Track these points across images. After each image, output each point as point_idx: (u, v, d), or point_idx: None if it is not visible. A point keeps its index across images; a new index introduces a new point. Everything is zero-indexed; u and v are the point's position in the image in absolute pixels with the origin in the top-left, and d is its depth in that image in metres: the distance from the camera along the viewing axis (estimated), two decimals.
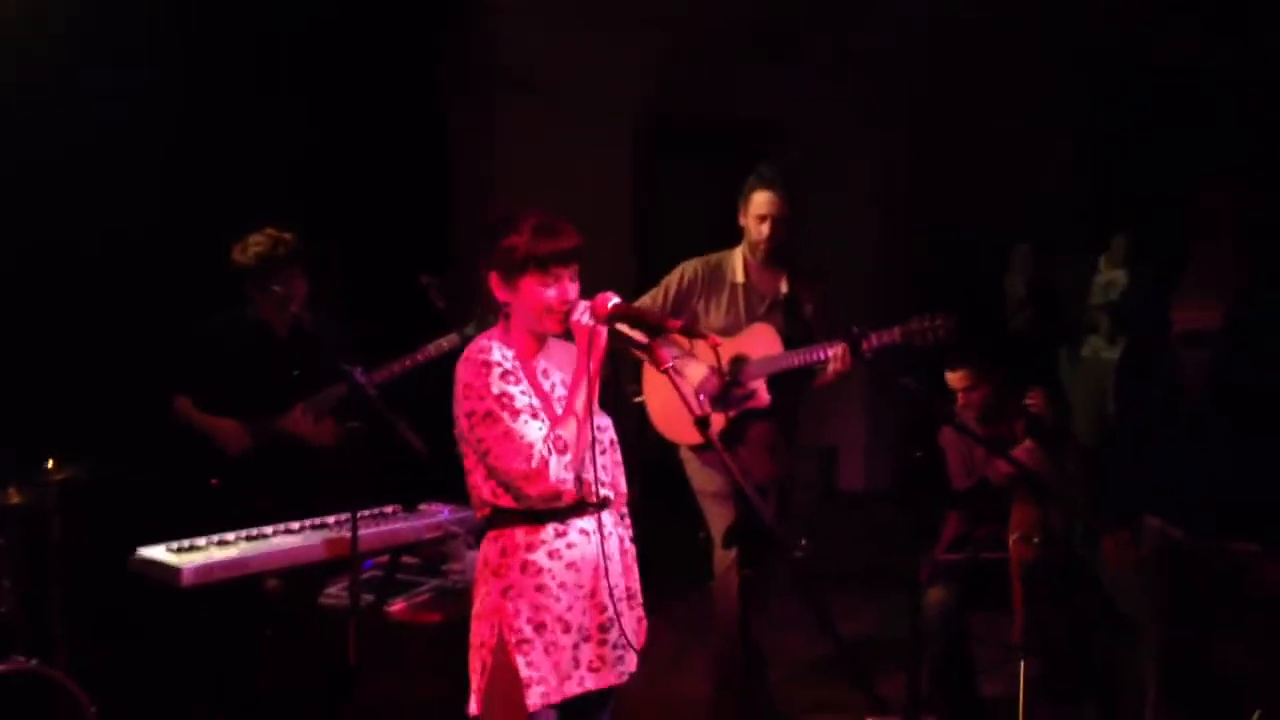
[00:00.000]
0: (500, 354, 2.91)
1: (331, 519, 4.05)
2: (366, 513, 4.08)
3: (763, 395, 4.49)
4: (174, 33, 5.27)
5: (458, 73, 6.80)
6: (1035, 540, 4.32)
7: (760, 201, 4.54)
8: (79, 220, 4.94)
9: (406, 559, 4.31)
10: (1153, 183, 7.69)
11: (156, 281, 5.06)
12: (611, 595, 2.98)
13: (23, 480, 4.02)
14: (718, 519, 4.58)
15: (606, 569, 2.98)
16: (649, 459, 4.86)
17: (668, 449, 4.78)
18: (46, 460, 4.05)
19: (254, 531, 3.92)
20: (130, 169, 5.03)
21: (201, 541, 3.80)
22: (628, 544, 3.12)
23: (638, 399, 4.85)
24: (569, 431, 2.89)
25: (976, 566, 4.62)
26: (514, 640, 2.89)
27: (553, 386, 3.01)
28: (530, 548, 2.92)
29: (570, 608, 2.95)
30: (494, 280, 2.97)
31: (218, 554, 3.71)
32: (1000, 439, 4.53)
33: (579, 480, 2.92)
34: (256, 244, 4.44)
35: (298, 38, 5.72)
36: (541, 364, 3.02)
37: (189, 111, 5.28)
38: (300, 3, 5.75)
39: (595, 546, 2.98)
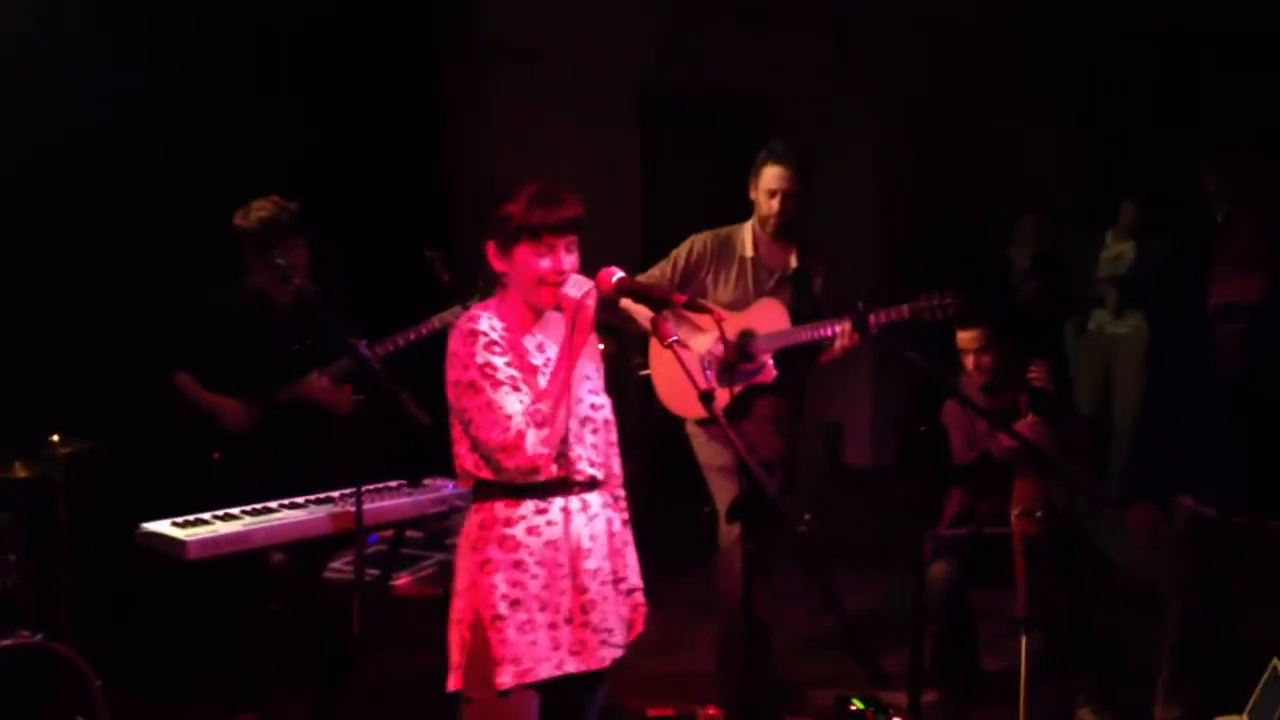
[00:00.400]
0: (489, 324, 2.88)
1: (336, 494, 4.06)
2: (371, 487, 4.08)
3: (770, 370, 4.49)
4: (174, 7, 5.25)
5: (456, 45, 6.78)
6: (1038, 515, 4.31)
7: (770, 176, 4.52)
8: (83, 199, 4.95)
9: (411, 533, 4.33)
10: (1159, 152, 7.66)
11: (158, 256, 5.07)
12: (594, 577, 2.93)
13: (28, 454, 4.02)
14: (723, 493, 4.58)
15: (590, 550, 2.93)
16: (654, 433, 4.87)
17: (673, 423, 4.78)
18: (52, 434, 4.05)
19: (259, 506, 3.93)
20: (132, 147, 5.05)
21: (207, 516, 3.82)
22: (617, 526, 3.05)
23: (644, 372, 4.85)
24: (550, 404, 2.84)
25: (979, 542, 4.63)
26: (489, 616, 2.84)
27: (547, 361, 2.94)
28: (509, 522, 2.88)
29: (547, 586, 2.88)
30: (491, 250, 2.94)
31: (223, 528, 3.72)
32: (1003, 412, 4.53)
33: (563, 457, 2.88)
34: (260, 209, 4.41)
35: (295, 12, 5.70)
36: (537, 337, 2.97)
37: (188, 84, 5.27)
38: None
39: (578, 526, 2.93)
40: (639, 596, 3.11)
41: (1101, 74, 8.72)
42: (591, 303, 2.87)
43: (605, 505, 3.02)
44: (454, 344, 2.88)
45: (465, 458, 2.93)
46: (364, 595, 3.80)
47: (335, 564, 4.34)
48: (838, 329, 4.33)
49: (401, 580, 4.22)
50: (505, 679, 2.83)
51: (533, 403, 2.83)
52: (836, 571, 6.01)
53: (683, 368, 2.92)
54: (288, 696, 4.39)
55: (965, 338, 4.63)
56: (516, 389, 2.84)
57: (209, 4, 5.40)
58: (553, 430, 2.84)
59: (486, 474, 2.89)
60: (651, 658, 5.15)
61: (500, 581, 2.85)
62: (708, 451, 4.65)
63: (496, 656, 2.83)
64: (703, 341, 4.51)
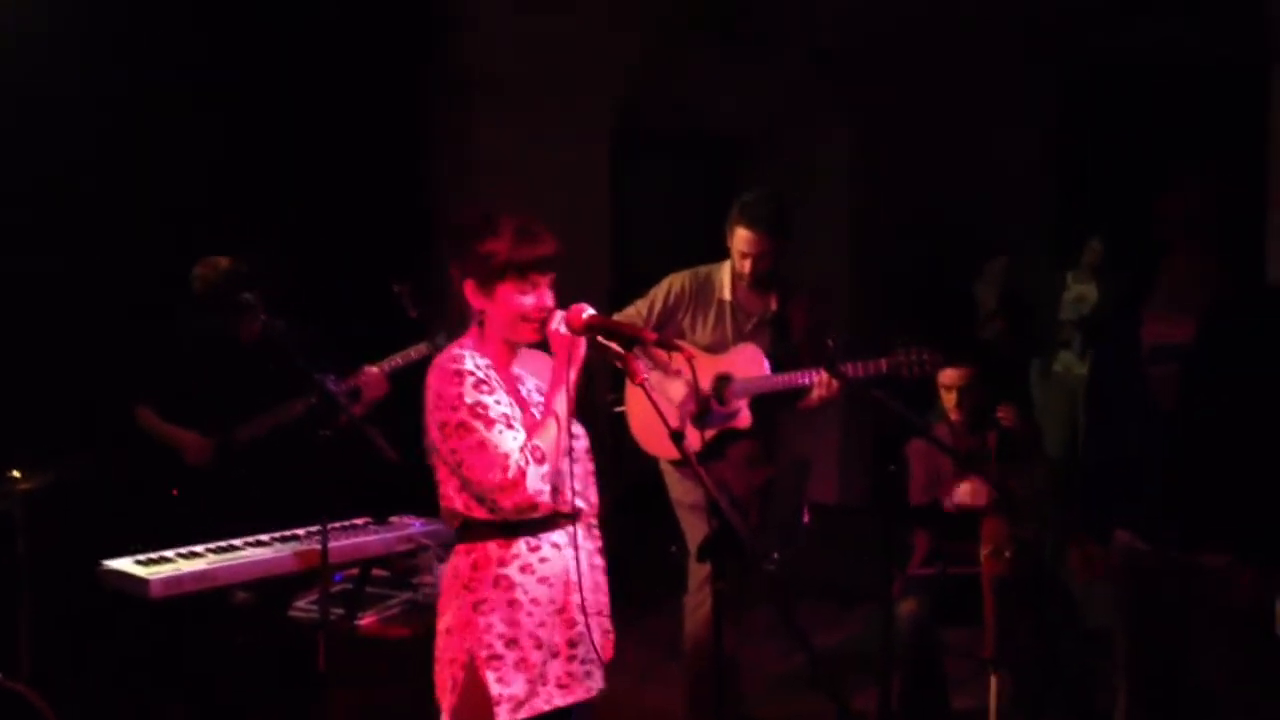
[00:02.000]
0: (473, 363, 2.85)
1: (302, 531, 4.02)
2: (337, 525, 4.05)
3: (745, 416, 4.48)
4: (149, 37, 5.24)
5: (432, 79, 6.78)
6: (1007, 554, 4.32)
7: (743, 239, 4.48)
8: (43, 229, 4.90)
9: (377, 572, 4.29)
10: (1121, 190, 7.74)
11: (123, 288, 5.01)
12: (584, 610, 2.94)
13: None
14: (694, 531, 4.57)
15: (580, 583, 2.94)
16: (625, 469, 4.85)
17: (643, 459, 4.76)
18: (12, 470, 4.00)
19: (223, 544, 3.88)
20: (95, 175, 4.99)
21: (170, 554, 3.77)
22: (597, 558, 3.06)
23: (618, 409, 4.84)
24: (547, 440, 2.85)
25: (948, 581, 4.63)
26: (484, 656, 2.84)
27: (529, 394, 2.97)
28: (503, 562, 2.87)
29: (542, 624, 2.89)
30: (469, 287, 2.91)
31: (186, 566, 3.68)
32: (972, 453, 4.54)
33: (555, 491, 2.89)
34: (205, 268, 4.40)
35: (273, 42, 5.69)
36: (516, 372, 2.99)
37: (160, 115, 5.23)
38: (276, 10, 5.72)
39: (566, 560, 2.93)
40: (607, 623, 3.12)
41: (1072, 112, 8.82)
42: (584, 339, 2.88)
43: (585, 537, 3.02)
44: (439, 385, 2.85)
45: (453, 498, 2.90)
46: (329, 634, 3.76)
47: (300, 603, 4.29)
48: (815, 378, 4.31)
49: (367, 619, 4.16)
50: (503, 718, 2.83)
51: (528, 439, 2.82)
52: (805, 610, 6.01)
53: (653, 406, 2.92)
54: None
55: (951, 375, 4.63)
56: (510, 426, 2.82)
57: (187, 36, 5.37)
58: (551, 465, 2.84)
59: (479, 514, 2.87)
60: (622, 695, 5.12)
61: (496, 621, 2.85)
62: (680, 489, 4.64)
63: (494, 696, 2.83)
64: (677, 387, 4.49)
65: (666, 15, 7.42)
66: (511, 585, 2.87)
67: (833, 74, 8.27)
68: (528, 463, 2.79)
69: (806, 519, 7.65)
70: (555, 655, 2.92)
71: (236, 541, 3.91)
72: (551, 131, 7.08)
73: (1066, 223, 8.42)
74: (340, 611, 4.08)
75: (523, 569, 2.88)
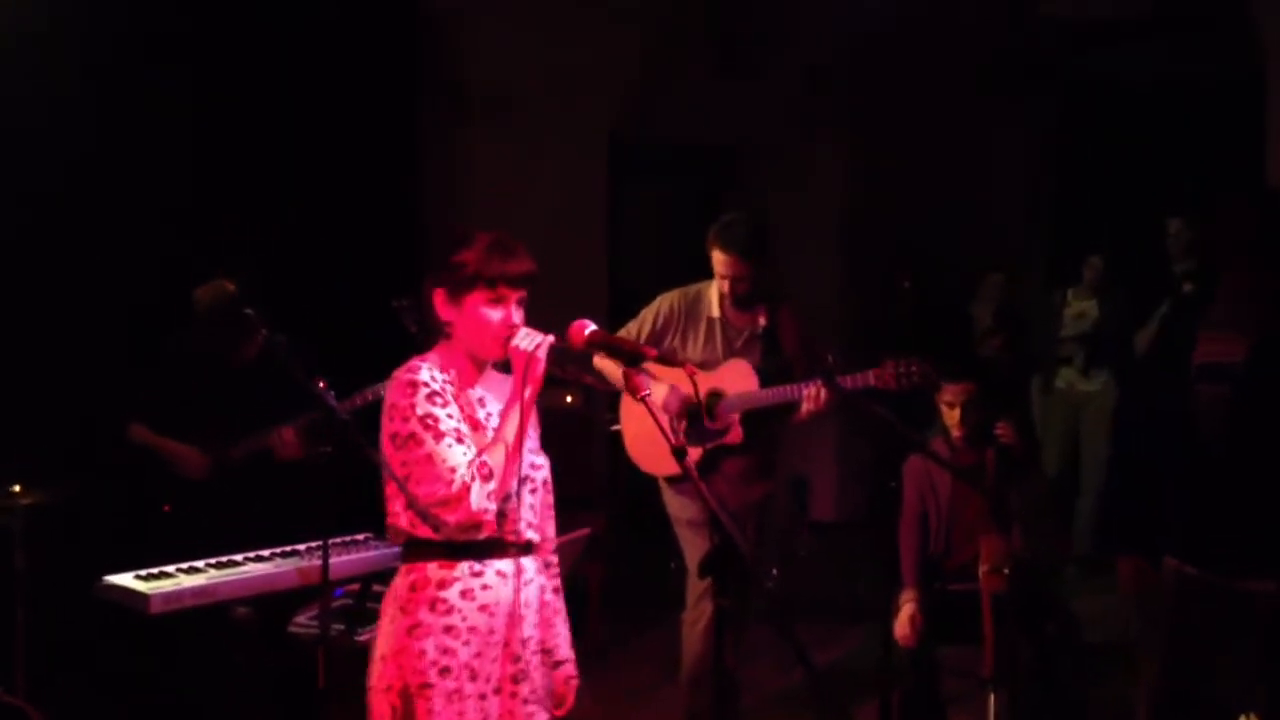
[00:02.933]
0: (429, 374, 2.77)
1: (302, 547, 4.02)
2: (337, 540, 4.04)
3: (736, 431, 4.48)
4: (142, 51, 5.25)
5: (428, 93, 6.80)
6: (1005, 572, 4.32)
7: (719, 261, 4.50)
8: (39, 243, 4.91)
9: (378, 587, 4.27)
10: (1116, 207, 7.78)
11: (121, 303, 5.02)
12: (524, 645, 2.84)
13: None
14: (693, 547, 4.56)
15: (524, 617, 2.84)
16: (621, 488, 4.86)
17: (640, 478, 4.76)
18: (12, 485, 4.00)
19: (223, 559, 3.88)
20: (90, 192, 5.02)
21: (170, 569, 3.77)
22: (548, 595, 2.98)
23: (614, 428, 4.84)
24: (496, 458, 2.75)
25: (946, 598, 4.63)
26: (416, 684, 2.72)
27: (488, 416, 2.85)
28: (442, 584, 2.76)
29: (479, 654, 2.78)
30: (439, 297, 2.84)
31: (186, 581, 3.68)
32: (971, 469, 4.54)
33: (503, 516, 2.78)
34: (204, 295, 4.41)
35: (269, 57, 5.71)
36: (479, 392, 2.88)
37: (154, 133, 5.25)
38: (269, 21, 5.73)
39: (512, 591, 2.82)
40: (570, 668, 3.05)
41: (1068, 128, 8.85)
42: (543, 355, 2.80)
43: (538, 571, 2.93)
44: (392, 395, 2.77)
45: (399, 515, 2.81)
46: (329, 650, 3.75)
47: (300, 618, 4.28)
48: (805, 392, 4.31)
49: (367, 635, 4.14)
50: None
51: (478, 454, 2.73)
52: (803, 628, 6.00)
53: (655, 421, 2.91)
54: None
55: (953, 391, 4.61)
56: (460, 440, 2.73)
57: (182, 50, 5.39)
58: (500, 485, 2.75)
59: (423, 532, 2.77)
60: (617, 715, 5.12)
61: (430, 647, 2.74)
62: (677, 504, 4.64)
63: None
64: (658, 389, 4.48)
65: (662, 30, 7.46)
66: (449, 610, 2.76)
67: (828, 88, 8.31)
68: (474, 478, 2.70)
69: (805, 537, 7.67)
70: (497, 691, 2.82)
71: (237, 557, 3.91)
72: (548, 145, 7.11)
73: (1062, 239, 8.44)
74: (341, 627, 4.07)
75: (463, 594, 2.77)
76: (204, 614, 3.73)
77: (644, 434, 4.58)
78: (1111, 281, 7.38)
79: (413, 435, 2.71)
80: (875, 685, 4.50)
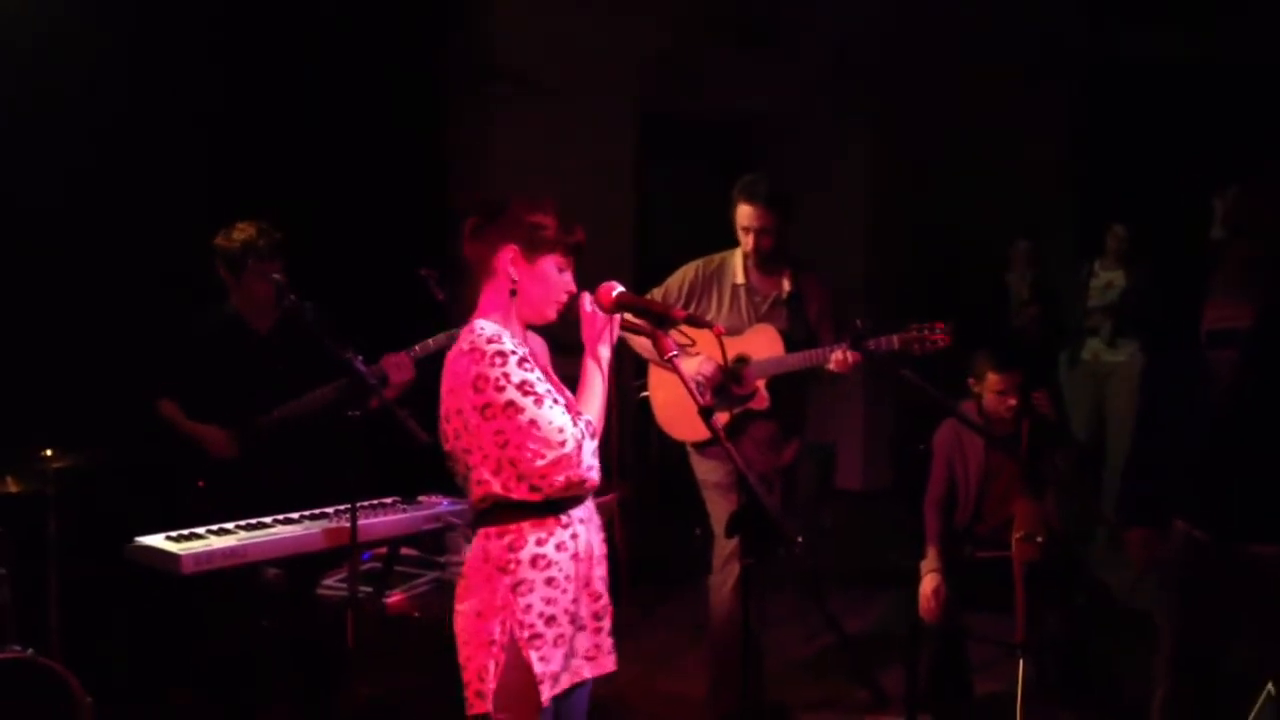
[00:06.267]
0: (511, 341, 2.82)
1: (331, 510, 4.04)
2: (366, 504, 4.06)
3: (763, 396, 4.49)
4: (171, 29, 5.26)
5: (455, 69, 6.79)
6: (1039, 540, 4.31)
7: (743, 214, 4.51)
8: (74, 216, 4.94)
9: (406, 551, 4.30)
10: (1148, 180, 7.71)
11: (155, 271, 5.03)
12: (604, 583, 3.00)
13: (20, 469, 4.00)
14: (719, 509, 4.57)
15: (600, 558, 3.00)
16: (650, 455, 4.86)
17: (669, 445, 4.77)
18: (44, 449, 4.03)
19: (253, 521, 3.90)
20: (122, 164, 5.03)
21: (201, 530, 3.79)
22: (603, 532, 3.11)
23: (643, 394, 4.85)
24: (595, 416, 2.89)
25: (977, 565, 4.63)
26: (526, 636, 2.83)
27: (545, 374, 2.95)
28: (540, 541, 2.86)
29: (575, 599, 2.92)
30: (509, 253, 2.87)
31: (217, 543, 3.69)
32: (1006, 437, 4.53)
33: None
34: (243, 230, 4.39)
35: (298, 38, 5.71)
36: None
37: (190, 109, 5.27)
38: (299, 2, 5.74)
39: (590, 535, 2.97)
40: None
41: (1095, 101, 8.78)
42: (618, 318, 2.93)
43: (594, 512, 3.05)
44: (479, 366, 2.77)
45: (490, 481, 2.83)
46: (357, 612, 3.77)
47: (329, 581, 4.31)
48: (833, 355, 4.31)
49: (395, 598, 4.18)
50: (546, 694, 2.84)
51: (576, 416, 2.83)
52: (831, 594, 6.01)
53: (683, 383, 2.92)
54: (279, 713, 4.35)
55: (999, 379, 4.55)
56: (557, 402, 2.81)
57: (213, 30, 5.40)
58: (598, 444, 2.87)
59: (519, 494, 2.82)
60: (642, 680, 5.14)
61: (536, 600, 2.84)
62: (705, 467, 4.64)
63: (538, 675, 2.83)
64: (691, 363, 4.49)
65: (689, 9, 7.42)
66: (549, 564, 2.86)
67: (855, 63, 8.26)
68: (584, 437, 2.81)
69: (829, 507, 7.67)
70: (583, 628, 2.96)
71: (266, 519, 3.92)
72: (574, 125, 7.09)
73: (1088, 214, 8.37)
74: (368, 589, 4.09)
75: (558, 547, 2.88)
76: (234, 575, 3.74)
77: (673, 400, 4.59)
78: (1137, 251, 7.33)
79: (511, 403, 2.76)
80: (903, 652, 4.50)
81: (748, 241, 4.53)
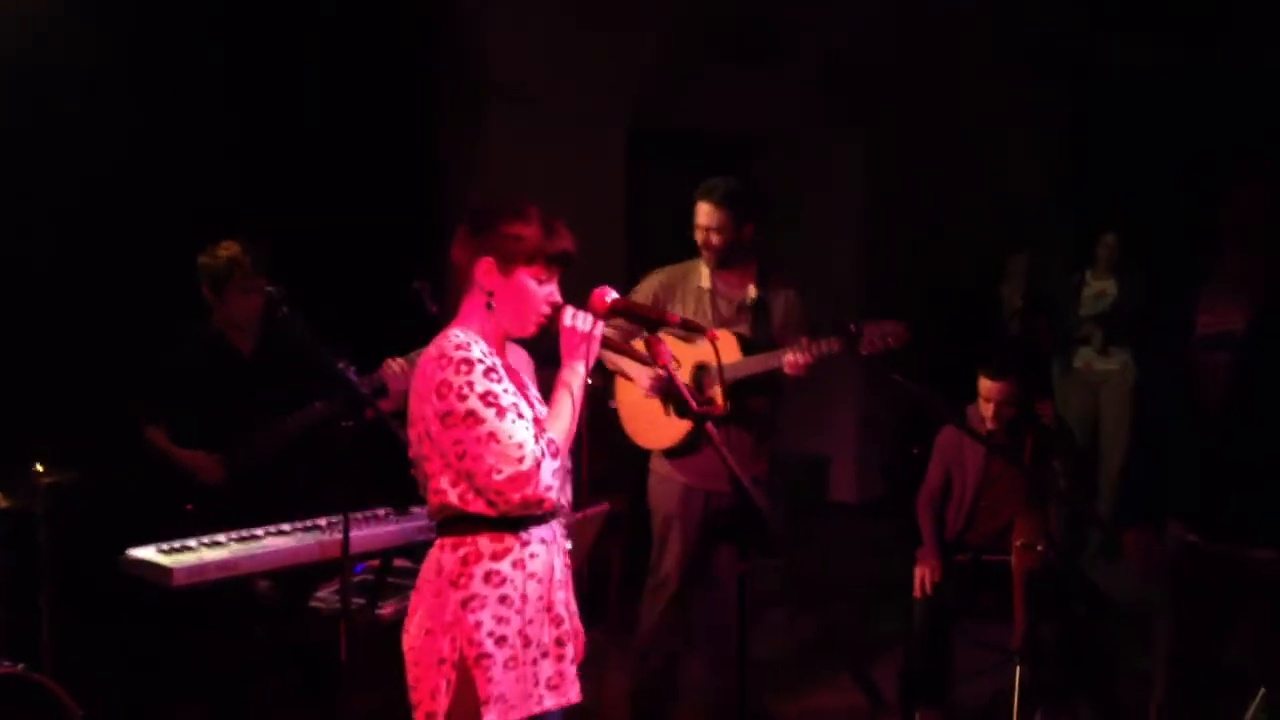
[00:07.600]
0: (480, 350, 2.75)
1: (323, 521, 4.02)
2: (358, 515, 4.04)
3: (719, 403, 4.40)
4: (160, 40, 5.26)
5: (446, 83, 6.80)
6: (1039, 548, 4.31)
7: (697, 212, 4.51)
8: (60, 229, 4.95)
9: (398, 562, 4.28)
10: (1134, 193, 7.74)
11: (143, 289, 5.02)
12: (566, 607, 2.90)
13: (10, 485, 3.98)
14: (662, 540, 4.55)
15: (562, 581, 2.89)
16: (634, 469, 4.82)
17: (644, 457, 4.72)
18: (34, 464, 4.01)
19: (245, 533, 3.89)
20: (111, 177, 5.03)
21: (193, 542, 3.77)
22: (566, 558, 3.00)
23: (611, 404, 4.81)
24: (560, 435, 2.77)
25: (968, 569, 4.62)
26: (474, 655, 2.72)
27: (519, 388, 2.86)
28: (495, 556, 2.76)
29: (531, 621, 2.80)
30: (485, 266, 2.80)
31: (209, 555, 3.68)
32: (1007, 445, 4.52)
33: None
34: (227, 248, 4.41)
35: (289, 50, 5.70)
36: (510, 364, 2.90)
37: (179, 126, 5.26)
38: (289, 13, 5.74)
39: (551, 556, 2.86)
40: (578, 623, 3.06)
41: (1087, 116, 8.81)
42: (599, 334, 2.84)
43: (559, 535, 2.94)
44: (444, 373, 2.70)
45: (446, 491, 2.76)
46: (350, 624, 3.75)
47: (321, 593, 4.28)
48: (785, 359, 4.20)
49: (388, 609, 4.15)
50: (491, 718, 2.72)
51: (540, 433, 2.74)
52: (825, 606, 6.01)
53: (680, 390, 2.89)
54: None
55: (993, 388, 4.54)
56: (521, 416, 2.72)
57: (201, 42, 5.39)
58: (561, 463, 2.77)
59: (475, 507, 2.75)
60: (615, 692, 5.12)
61: (486, 618, 2.73)
62: (658, 493, 4.59)
63: (483, 696, 2.71)
64: (643, 376, 4.46)
65: (681, 20, 7.42)
66: (502, 580, 2.76)
67: (847, 76, 8.27)
68: (543, 455, 2.71)
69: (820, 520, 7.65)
70: (545, 655, 2.85)
71: (258, 531, 3.91)
72: (567, 137, 7.08)
73: (1081, 224, 8.40)
74: (361, 601, 4.07)
75: (514, 564, 2.78)
76: (226, 588, 3.72)
77: (641, 409, 4.54)
78: (1128, 260, 7.35)
79: (472, 413, 2.67)
80: (895, 657, 4.48)
81: (699, 239, 4.51)
